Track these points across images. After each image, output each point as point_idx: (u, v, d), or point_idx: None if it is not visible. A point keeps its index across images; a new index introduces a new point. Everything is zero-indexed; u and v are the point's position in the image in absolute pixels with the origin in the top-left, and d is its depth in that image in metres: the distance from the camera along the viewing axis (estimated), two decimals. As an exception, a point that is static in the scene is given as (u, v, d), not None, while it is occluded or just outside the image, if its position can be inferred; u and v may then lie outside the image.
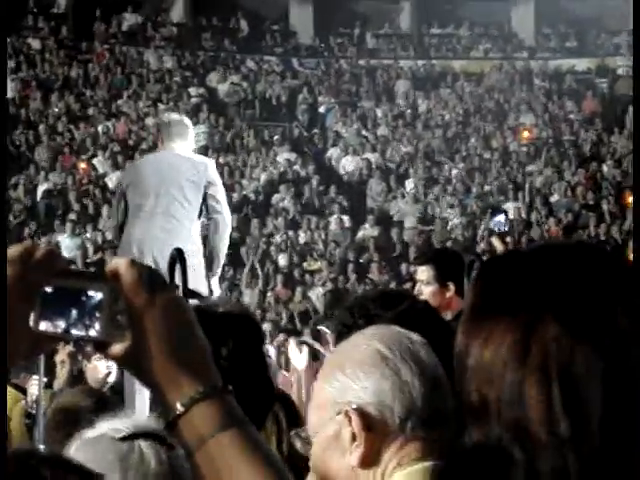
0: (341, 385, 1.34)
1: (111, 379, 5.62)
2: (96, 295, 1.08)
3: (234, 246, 16.05)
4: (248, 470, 1.10)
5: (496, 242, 2.60)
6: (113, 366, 5.61)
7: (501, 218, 2.81)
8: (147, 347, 1.10)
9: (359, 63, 22.86)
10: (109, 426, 1.32)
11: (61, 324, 1.08)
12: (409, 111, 20.98)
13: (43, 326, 1.08)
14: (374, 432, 1.31)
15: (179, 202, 5.64)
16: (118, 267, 1.10)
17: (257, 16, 23.54)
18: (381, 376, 1.29)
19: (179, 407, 1.11)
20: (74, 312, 1.08)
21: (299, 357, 6.29)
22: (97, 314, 1.08)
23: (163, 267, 5.45)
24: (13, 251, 1.08)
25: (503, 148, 19.52)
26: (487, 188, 18.06)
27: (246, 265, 15.60)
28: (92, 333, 1.08)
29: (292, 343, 6.60)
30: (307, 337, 7.34)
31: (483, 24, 23.68)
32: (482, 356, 0.92)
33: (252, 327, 2.18)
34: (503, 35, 23.73)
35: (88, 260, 14.95)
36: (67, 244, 15.38)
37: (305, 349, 6.22)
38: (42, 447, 4.68)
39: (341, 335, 1.88)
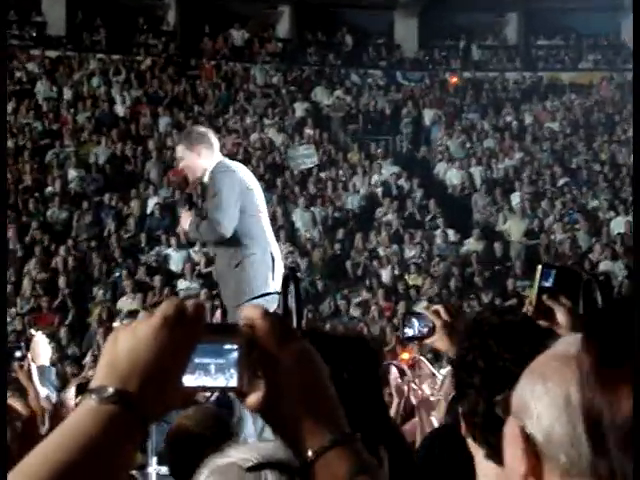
0: (523, 399, 1.16)
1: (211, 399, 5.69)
2: (233, 347, 1.15)
3: (338, 260, 16.13)
4: None
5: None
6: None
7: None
8: (281, 397, 1.15)
9: (464, 75, 22.69)
10: (238, 455, 1.34)
11: (202, 377, 1.15)
12: (515, 123, 20.69)
13: (187, 380, 1.14)
14: (539, 461, 1.15)
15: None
16: (253, 318, 1.17)
17: (361, 30, 23.62)
18: (557, 422, 1.13)
19: (310, 454, 1.14)
20: (213, 365, 1.14)
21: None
22: (234, 366, 1.14)
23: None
24: (167, 310, 1.12)
25: (612, 161, 19.07)
26: (595, 202, 17.66)
27: (350, 279, 15.62)
28: (231, 384, 1.14)
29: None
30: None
31: (591, 35, 23.21)
32: None
33: (370, 352, 2.18)
34: (612, 46, 23.21)
35: (196, 273, 15.22)
36: (175, 257, 15.71)
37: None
38: (155, 459, 4.79)
39: (456, 375, 1.82)
